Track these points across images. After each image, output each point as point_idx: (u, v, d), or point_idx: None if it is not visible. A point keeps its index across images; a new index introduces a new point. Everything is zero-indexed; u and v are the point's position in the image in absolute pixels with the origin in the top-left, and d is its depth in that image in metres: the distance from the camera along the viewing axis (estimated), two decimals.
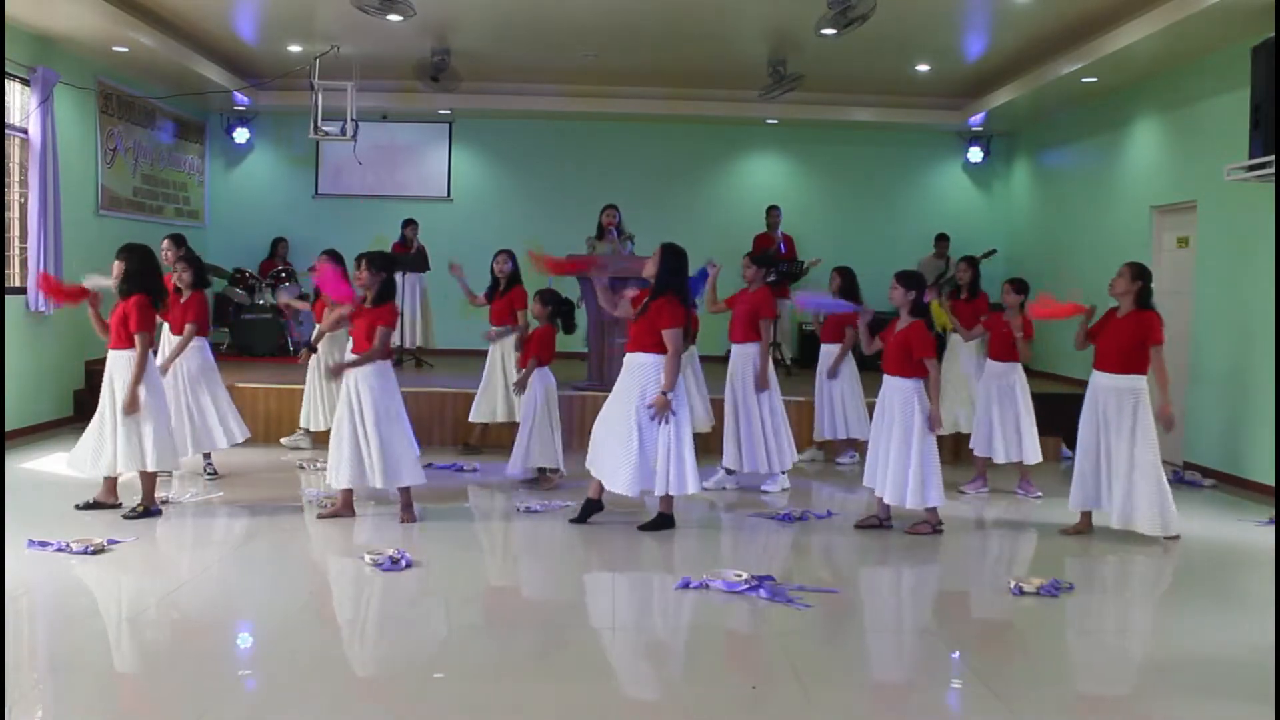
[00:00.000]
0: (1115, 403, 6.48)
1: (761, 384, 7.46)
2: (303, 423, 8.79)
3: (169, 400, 6.83)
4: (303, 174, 13.69)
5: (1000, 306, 7.86)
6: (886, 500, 6.57)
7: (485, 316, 8.67)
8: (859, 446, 8.58)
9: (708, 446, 8.11)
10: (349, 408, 6.47)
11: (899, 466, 6.45)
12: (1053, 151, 12.51)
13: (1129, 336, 6.46)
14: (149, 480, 6.53)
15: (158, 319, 6.77)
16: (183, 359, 7.38)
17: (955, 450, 8.83)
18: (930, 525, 6.63)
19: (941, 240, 12.83)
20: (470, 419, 8.70)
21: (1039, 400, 8.96)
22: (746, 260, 7.82)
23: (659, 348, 6.33)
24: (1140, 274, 6.55)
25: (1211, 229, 8.86)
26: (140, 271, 6.46)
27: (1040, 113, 12.13)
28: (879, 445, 6.60)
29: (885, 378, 6.61)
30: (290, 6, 9.49)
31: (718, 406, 8.29)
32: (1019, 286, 7.65)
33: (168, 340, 7.56)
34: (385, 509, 6.87)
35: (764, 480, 7.81)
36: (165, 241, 7.82)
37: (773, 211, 12.30)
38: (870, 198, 13.73)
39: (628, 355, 6.49)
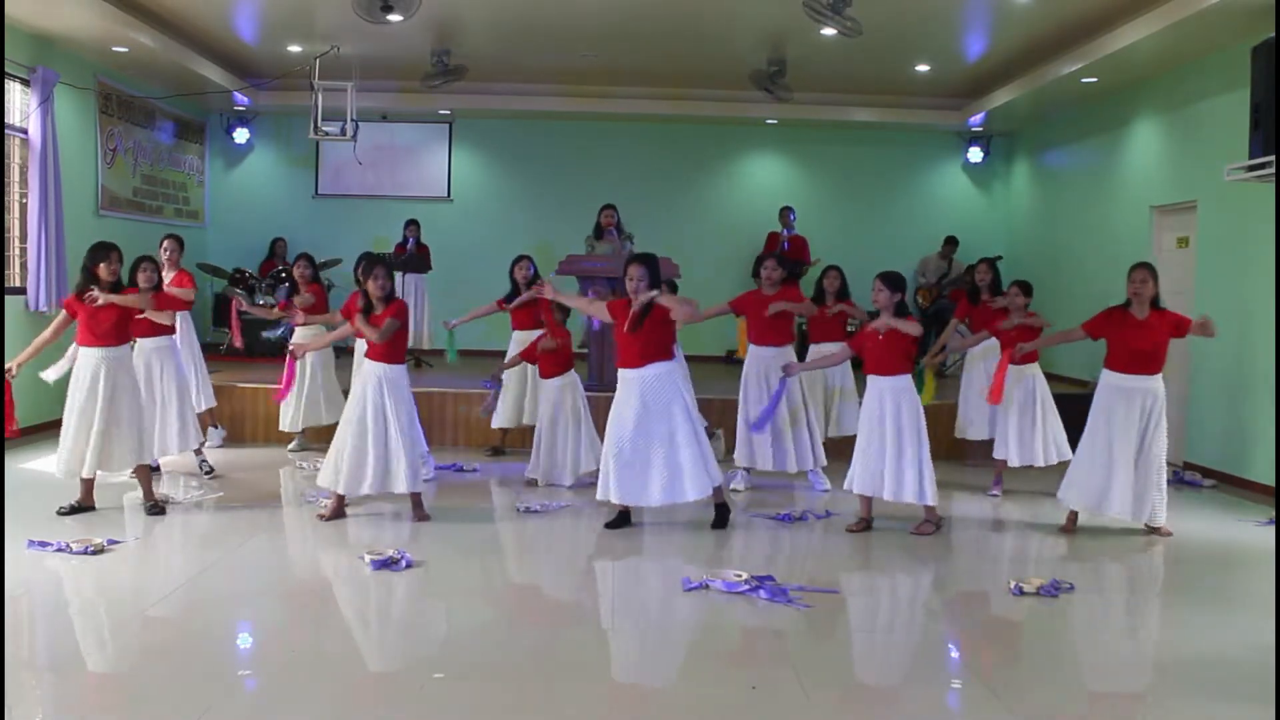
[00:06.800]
0: (1146, 402, 6.52)
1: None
2: (295, 428, 8.73)
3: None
4: (303, 174, 13.69)
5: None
6: (907, 500, 6.50)
7: (492, 321, 8.65)
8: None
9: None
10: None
11: (912, 464, 6.43)
12: (1053, 151, 12.51)
13: (1164, 337, 6.53)
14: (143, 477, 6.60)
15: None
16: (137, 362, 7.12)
17: (962, 452, 8.88)
18: (933, 524, 6.63)
19: (949, 243, 12.84)
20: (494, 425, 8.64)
21: None
22: (773, 263, 7.62)
23: (669, 353, 6.41)
24: (1156, 275, 6.60)
25: (1211, 229, 8.86)
26: None
27: (1040, 113, 12.13)
28: (879, 447, 6.50)
29: (873, 379, 6.56)
30: (290, 6, 9.49)
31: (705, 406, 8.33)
32: (1026, 289, 7.68)
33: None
34: (385, 508, 6.87)
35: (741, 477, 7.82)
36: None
37: (783, 212, 12.38)
38: (870, 198, 13.73)
39: (639, 370, 6.34)
